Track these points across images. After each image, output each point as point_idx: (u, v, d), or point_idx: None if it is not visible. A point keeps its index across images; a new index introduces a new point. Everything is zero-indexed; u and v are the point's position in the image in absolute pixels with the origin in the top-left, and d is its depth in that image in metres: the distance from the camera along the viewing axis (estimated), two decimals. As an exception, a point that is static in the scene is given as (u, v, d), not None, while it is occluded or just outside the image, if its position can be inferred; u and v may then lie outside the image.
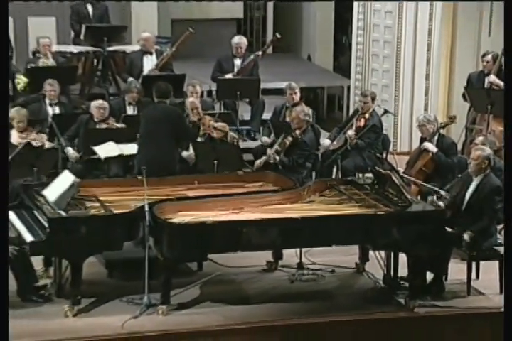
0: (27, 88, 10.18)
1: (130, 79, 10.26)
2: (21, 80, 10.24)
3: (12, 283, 7.07)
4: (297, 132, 8.96)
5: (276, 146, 8.94)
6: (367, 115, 9.41)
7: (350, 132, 9.27)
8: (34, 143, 8.66)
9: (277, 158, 8.89)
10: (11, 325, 6.68)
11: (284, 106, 9.79)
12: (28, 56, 10.88)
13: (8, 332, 5.90)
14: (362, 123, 9.34)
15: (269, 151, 8.97)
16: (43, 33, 10.88)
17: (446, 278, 7.56)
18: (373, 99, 9.51)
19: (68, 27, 11.43)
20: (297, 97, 9.70)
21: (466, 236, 7.37)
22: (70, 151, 9.01)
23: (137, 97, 9.55)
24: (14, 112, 8.87)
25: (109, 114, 9.25)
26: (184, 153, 8.88)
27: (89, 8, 11.33)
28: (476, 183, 7.54)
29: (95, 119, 9.17)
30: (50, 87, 9.52)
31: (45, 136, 8.84)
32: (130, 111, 9.58)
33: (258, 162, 9.12)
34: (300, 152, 8.96)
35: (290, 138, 8.92)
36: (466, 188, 7.57)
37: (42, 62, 10.39)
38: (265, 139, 9.48)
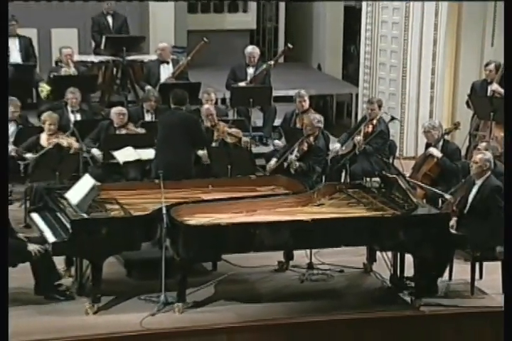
0: (50, 96, 10.19)
1: (148, 87, 10.29)
2: (44, 88, 10.25)
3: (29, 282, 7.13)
4: (311, 138, 8.96)
5: (295, 153, 8.93)
6: (374, 121, 9.40)
7: (359, 137, 9.27)
8: (65, 144, 8.69)
9: (297, 164, 8.88)
10: (35, 322, 6.77)
11: (293, 112, 9.80)
12: (51, 65, 10.91)
13: (8, 331, 5.81)
14: (370, 129, 9.34)
15: (290, 156, 8.92)
16: (65, 44, 10.88)
17: (450, 278, 7.56)
18: (380, 106, 9.50)
19: (89, 37, 11.46)
20: (306, 105, 9.71)
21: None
22: (96, 152, 9.02)
23: (155, 105, 9.57)
24: (46, 115, 8.93)
25: (128, 119, 9.27)
26: (200, 152, 8.87)
27: (110, 19, 11.37)
28: (478, 186, 7.56)
29: (115, 125, 9.20)
30: (72, 95, 9.54)
31: (74, 139, 8.86)
32: (148, 118, 9.60)
33: (271, 164, 9.09)
34: (315, 157, 8.96)
35: (306, 145, 8.93)
36: (469, 191, 7.58)
37: (64, 71, 10.41)
38: (277, 142, 9.50)
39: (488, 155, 7.63)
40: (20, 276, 7.19)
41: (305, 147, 8.92)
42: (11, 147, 8.80)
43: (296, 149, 8.94)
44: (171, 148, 8.17)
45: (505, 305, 5.72)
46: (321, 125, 9.13)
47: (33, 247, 7.06)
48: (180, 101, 8.34)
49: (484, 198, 7.48)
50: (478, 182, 7.56)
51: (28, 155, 8.73)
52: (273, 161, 9.10)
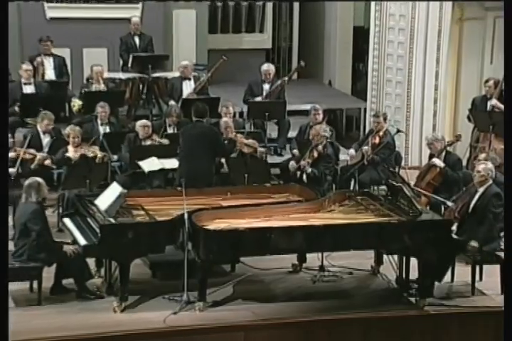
0: (81, 110, 10.22)
1: (172, 102, 10.30)
2: (76, 103, 10.27)
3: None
4: (319, 147, 8.97)
5: (307, 159, 8.95)
6: (381, 133, 9.38)
7: (367, 148, 9.26)
8: (88, 154, 8.72)
9: (309, 169, 8.89)
10: (68, 319, 6.77)
11: (308, 125, 9.80)
12: (82, 82, 10.95)
13: (8, 330, 5.74)
14: (377, 140, 9.32)
15: (302, 162, 8.94)
16: (95, 62, 10.91)
17: (452, 280, 7.53)
18: (385, 119, 9.48)
19: (118, 56, 11.49)
20: (320, 117, 9.70)
21: (474, 243, 7.36)
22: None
23: (176, 120, 9.58)
24: (70, 129, 8.94)
25: (152, 131, 9.29)
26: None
27: (136, 39, 11.40)
28: (480, 193, 7.54)
29: (140, 137, 9.21)
30: (102, 109, 9.56)
31: (97, 148, 8.88)
32: (170, 130, 9.62)
33: (291, 165, 9.08)
34: (325, 164, 8.96)
35: (316, 153, 8.95)
36: (471, 198, 7.56)
37: (95, 87, 10.44)
38: (295, 151, 9.51)
39: (490, 165, 7.62)
40: (52, 276, 7.22)
41: (315, 154, 8.94)
42: (45, 155, 8.86)
43: (308, 156, 8.95)
44: (194, 158, 8.17)
45: (505, 305, 5.64)
46: (328, 135, 9.12)
47: (68, 248, 7.09)
48: (202, 113, 8.35)
49: (484, 204, 7.47)
50: (480, 190, 7.55)
51: (61, 164, 8.78)
52: (292, 162, 9.10)
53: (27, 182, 7.26)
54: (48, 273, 7.15)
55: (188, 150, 8.26)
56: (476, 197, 7.54)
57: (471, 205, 7.54)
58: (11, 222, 7.36)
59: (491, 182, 7.55)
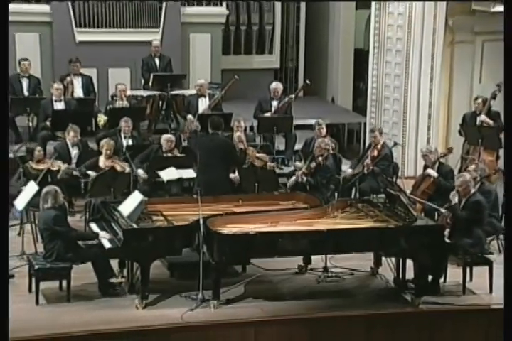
0: (106, 124, 10.22)
1: (189, 116, 10.30)
2: (102, 118, 10.28)
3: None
4: (320, 159, 8.96)
5: (303, 169, 8.95)
6: (379, 146, 9.36)
7: (367, 161, 9.24)
8: (118, 168, 8.74)
9: (304, 178, 8.89)
10: (93, 314, 6.76)
11: (313, 138, 9.79)
12: (107, 99, 10.98)
13: (8, 328, 5.61)
14: (375, 153, 9.29)
15: (297, 172, 8.96)
16: (119, 81, 10.94)
17: (445, 280, 7.51)
18: (381, 133, 9.45)
19: (140, 76, 11.51)
20: (324, 131, 9.68)
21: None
22: (140, 172, 9.05)
23: (189, 135, 9.54)
24: (104, 142, 8.96)
25: (175, 146, 9.30)
26: (231, 175, 8.88)
27: (157, 60, 11.42)
28: (463, 202, 7.53)
29: (163, 149, 9.21)
30: (125, 124, 9.57)
31: (127, 164, 8.89)
32: (184, 143, 9.63)
33: (289, 182, 9.09)
34: (323, 174, 8.93)
35: (314, 163, 8.93)
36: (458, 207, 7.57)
37: (118, 103, 10.44)
38: (297, 164, 9.48)
39: (467, 177, 7.59)
40: (81, 276, 7.24)
41: (312, 165, 8.90)
42: (71, 166, 8.87)
43: (305, 167, 8.93)
44: (211, 168, 8.09)
45: (505, 305, 5.46)
46: (329, 147, 9.09)
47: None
48: (217, 126, 8.34)
49: (467, 212, 7.45)
50: (463, 200, 7.55)
51: (90, 172, 8.78)
52: (292, 179, 9.09)
53: (44, 190, 7.28)
54: (75, 274, 7.17)
55: (206, 161, 8.18)
56: (461, 205, 7.54)
57: (457, 213, 7.54)
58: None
59: (473, 191, 7.54)
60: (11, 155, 9.02)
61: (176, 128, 10.97)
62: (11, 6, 11.36)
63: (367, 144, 10.02)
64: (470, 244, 7.39)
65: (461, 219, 7.46)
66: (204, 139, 8.55)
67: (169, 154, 9.18)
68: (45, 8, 11.57)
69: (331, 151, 9.18)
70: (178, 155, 9.22)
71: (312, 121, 10.06)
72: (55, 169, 8.78)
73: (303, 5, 13.00)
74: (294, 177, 9.01)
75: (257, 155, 9.17)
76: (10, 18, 11.23)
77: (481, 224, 7.45)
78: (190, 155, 8.88)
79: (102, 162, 8.86)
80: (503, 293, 7.14)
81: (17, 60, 10.91)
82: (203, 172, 8.19)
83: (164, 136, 9.29)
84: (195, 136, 9.13)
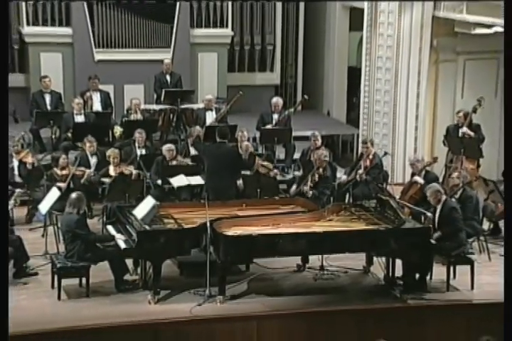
0: (122, 135, 10.22)
1: (197, 127, 10.27)
2: (118, 130, 10.27)
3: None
4: (320, 170, 8.92)
5: (309, 183, 8.82)
6: (370, 156, 9.34)
7: (361, 171, 9.22)
8: (125, 172, 8.73)
9: (311, 192, 8.79)
10: (110, 309, 6.76)
11: (309, 148, 9.78)
12: (123, 112, 10.99)
13: (8, 327, 5.47)
14: (367, 163, 9.28)
15: (305, 188, 8.75)
16: (134, 96, 10.93)
17: (431, 278, 7.49)
18: (372, 144, 9.43)
19: (152, 91, 11.52)
20: (319, 143, 9.66)
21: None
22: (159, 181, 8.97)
23: (196, 140, 9.51)
24: (110, 151, 8.96)
25: (177, 153, 9.29)
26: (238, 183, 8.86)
27: (168, 77, 11.40)
28: (439, 209, 7.52)
29: (167, 159, 9.15)
30: (139, 135, 9.55)
31: (132, 167, 8.87)
32: (192, 151, 9.61)
33: (292, 191, 9.00)
34: (325, 185, 8.87)
35: (317, 176, 8.89)
36: (435, 214, 7.57)
37: (133, 116, 10.43)
38: (296, 173, 9.47)
39: (435, 187, 7.59)
40: (99, 274, 7.25)
41: (316, 178, 8.86)
42: (93, 172, 8.85)
43: (309, 180, 8.88)
44: (218, 175, 8.06)
45: (505, 302, 5.24)
46: (328, 159, 9.07)
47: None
48: (224, 135, 8.31)
49: (444, 217, 7.44)
50: (439, 206, 7.54)
51: (104, 180, 8.79)
52: (294, 187, 9.05)
53: (72, 195, 7.29)
54: (94, 272, 7.17)
55: (213, 168, 8.16)
56: (438, 212, 7.54)
57: (436, 218, 7.54)
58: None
59: (444, 198, 7.53)
60: (36, 163, 9.07)
61: (185, 139, 10.96)
62: (37, 29, 11.46)
63: (359, 153, 10.01)
64: (452, 246, 7.38)
65: (443, 225, 7.45)
66: (212, 148, 8.54)
67: (173, 162, 9.16)
68: (67, 30, 11.61)
69: (328, 160, 9.16)
70: (184, 162, 9.17)
71: (309, 133, 10.06)
72: (79, 173, 8.77)
73: (301, 26, 13.03)
74: (295, 186, 8.96)
75: (263, 163, 9.16)
76: (36, 40, 11.50)
77: (459, 226, 7.43)
78: (198, 163, 8.87)
79: (112, 170, 8.87)
80: (483, 290, 7.18)
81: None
82: (211, 179, 8.17)
83: (165, 147, 9.21)
84: (200, 143, 9.10)
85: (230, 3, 12.16)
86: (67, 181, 8.46)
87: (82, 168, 8.89)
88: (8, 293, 5.71)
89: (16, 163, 8.91)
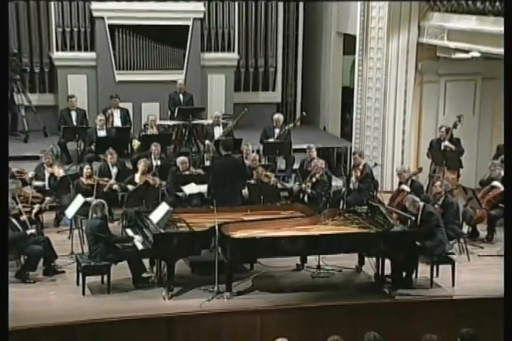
0: (140, 148, 10.24)
1: (207, 142, 10.27)
2: (136, 143, 10.28)
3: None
4: (317, 175, 8.97)
5: (308, 183, 8.90)
6: (361, 167, 9.34)
7: (353, 179, 9.25)
8: (151, 182, 8.71)
9: (309, 190, 8.87)
10: (128, 303, 6.77)
11: (306, 159, 9.79)
12: (141, 127, 11.03)
13: (7, 325, 5.06)
14: (358, 173, 9.30)
15: (303, 186, 8.88)
16: (150, 113, 10.97)
17: (416, 276, 7.49)
18: (360, 155, 9.43)
19: (167, 108, 11.56)
20: (314, 154, 9.62)
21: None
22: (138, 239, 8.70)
23: (212, 155, 9.55)
24: (142, 161, 8.88)
25: (189, 165, 9.30)
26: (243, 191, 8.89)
27: (181, 96, 11.43)
28: (420, 214, 7.55)
29: (180, 170, 9.13)
30: (155, 147, 9.54)
31: (157, 179, 8.86)
32: (207, 163, 9.64)
33: (295, 188, 9.05)
34: (321, 187, 8.91)
35: (314, 179, 8.94)
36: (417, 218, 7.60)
37: (149, 131, 10.48)
38: (296, 185, 9.46)
39: (412, 198, 7.65)
40: (119, 272, 7.26)
41: (314, 180, 8.92)
42: (114, 182, 8.85)
43: (308, 181, 8.93)
44: (225, 184, 8.07)
45: (505, 304, 4.95)
46: (323, 166, 9.10)
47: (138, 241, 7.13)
48: (228, 147, 8.32)
49: (423, 220, 7.48)
50: (419, 212, 7.57)
51: (129, 187, 8.80)
52: (296, 186, 9.06)
53: (94, 202, 7.32)
54: (114, 270, 7.19)
55: (220, 177, 8.17)
56: (419, 216, 7.56)
57: (418, 223, 7.55)
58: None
59: (422, 204, 7.56)
60: (63, 173, 9.12)
61: (196, 151, 10.99)
62: (65, 54, 11.54)
63: (352, 164, 10.03)
64: (433, 246, 7.40)
65: (422, 226, 7.47)
66: (218, 159, 8.56)
67: (186, 172, 9.18)
68: (91, 55, 11.68)
69: (324, 167, 9.18)
70: (196, 171, 9.18)
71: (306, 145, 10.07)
72: (103, 183, 8.80)
73: (300, 51, 13.08)
74: (297, 185, 9.01)
75: (266, 173, 9.19)
76: (64, 63, 11.59)
77: (438, 229, 7.44)
78: (209, 172, 8.90)
79: (138, 177, 8.85)
80: (463, 287, 7.18)
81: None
82: (217, 187, 8.17)
83: (179, 159, 9.19)
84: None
85: (236, 30, 12.23)
86: (94, 191, 8.43)
87: (106, 179, 8.93)
88: (10, 290, 5.38)
89: (47, 175, 8.99)
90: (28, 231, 7.31)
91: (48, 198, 8.42)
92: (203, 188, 8.84)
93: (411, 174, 8.88)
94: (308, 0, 12.79)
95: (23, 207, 7.65)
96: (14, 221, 7.31)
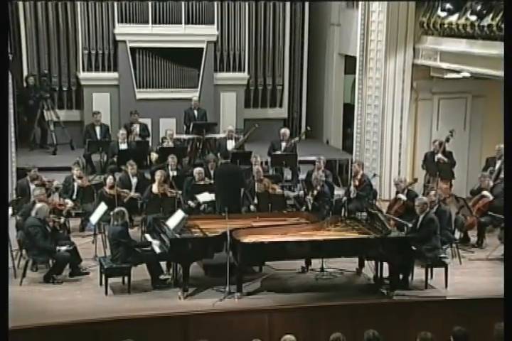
0: (158, 160, 10.26)
1: (210, 154, 10.25)
2: (154, 155, 10.30)
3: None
4: (318, 188, 8.97)
5: (310, 197, 8.86)
6: (359, 176, 9.31)
7: (352, 188, 9.26)
8: (169, 194, 8.70)
9: (312, 202, 8.83)
10: (147, 302, 6.79)
11: (313, 170, 9.77)
12: (158, 141, 11.09)
13: (7, 324, 4.77)
14: (356, 183, 9.30)
15: (307, 198, 8.84)
16: (168, 127, 11.00)
17: (412, 278, 7.48)
18: (359, 165, 9.40)
19: (183, 123, 11.61)
20: (322, 165, 9.58)
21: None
22: (191, 204, 8.90)
23: (214, 165, 9.56)
24: (160, 172, 8.86)
25: (205, 175, 9.33)
26: (251, 207, 8.76)
27: (195, 112, 11.45)
28: (421, 219, 7.54)
29: (196, 179, 9.16)
30: (172, 159, 9.56)
31: (174, 191, 8.80)
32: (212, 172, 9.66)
33: (301, 193, 9.07)
34: (323, 198, 8.90)
35: (316, 191, 8.95)
36: (417, 222, 7.57)
37: (167, 144, 10.51)
38: (301, 192, 9.47)
39: (423, 200, 7.61)
40: (138, 274, 7.28)
41: (315, 193, 8.93)
42: (134, 194, 8.90)
43: (310, 194, 8.94)
44: (225, 188, 8.07)
45: (505, 304, 4.82)
46: (323, 179, 9.05)
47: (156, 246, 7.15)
48: (226, 156, 8.40)
49: (424, 226, 7.45)
50: (421, 217, 7.56)
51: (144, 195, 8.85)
52: (301, 192, 9.10)
53: (116, 210, 7.35)
54: (134, 272, 7.21)
55: (220, 183, 8.16)
56: (419, 221, 7.55)
57: (417, 227, 7.55)
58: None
59: (428, 209, 7.54)
60: (87, 183, 9.18)
61: (203, 164, 10.95)
62: (90, 74, 11.65)
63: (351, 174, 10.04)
64: (428, 250, 7.39)
65: (420, 230, 7.46)
66: (220, 167, 8.55)
67: (201, 182, 9.20)
68: (114, 75, 11.77)
69: (324, 179, 9.18)
70: (209, 182, 9.21)
71: (312, 158, 10.07)
72: (124, 195, 8.83)
73: (305, 70, 13.15)
74: (301, 192, 9.04)
75: (272, 185, 9.20)
76: (89, 83, 11.69)
77: (435, 234, 7.43)
78: (215, 181, 8.91)
79: (155, 188, 8.87)
80: (455, 288, 7.17)
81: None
82: (220, 194, 8.15)
83: (195, 170, 9.19)
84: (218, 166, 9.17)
85: (246, 52, 12.30)
86: (116, 200, 8.46)
87: (126, 190, 8.95)
88: (8, 290, 4.87)
89: (76, 186, 9.04)
90: (63, 248, 7.34)
91: (70, 203, 8.45)
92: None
93: (407, 184, 8.88)
94: (313, 0, 12.63)
95: (53, 217, 7.70)
96: (48, 228, 7.37)
